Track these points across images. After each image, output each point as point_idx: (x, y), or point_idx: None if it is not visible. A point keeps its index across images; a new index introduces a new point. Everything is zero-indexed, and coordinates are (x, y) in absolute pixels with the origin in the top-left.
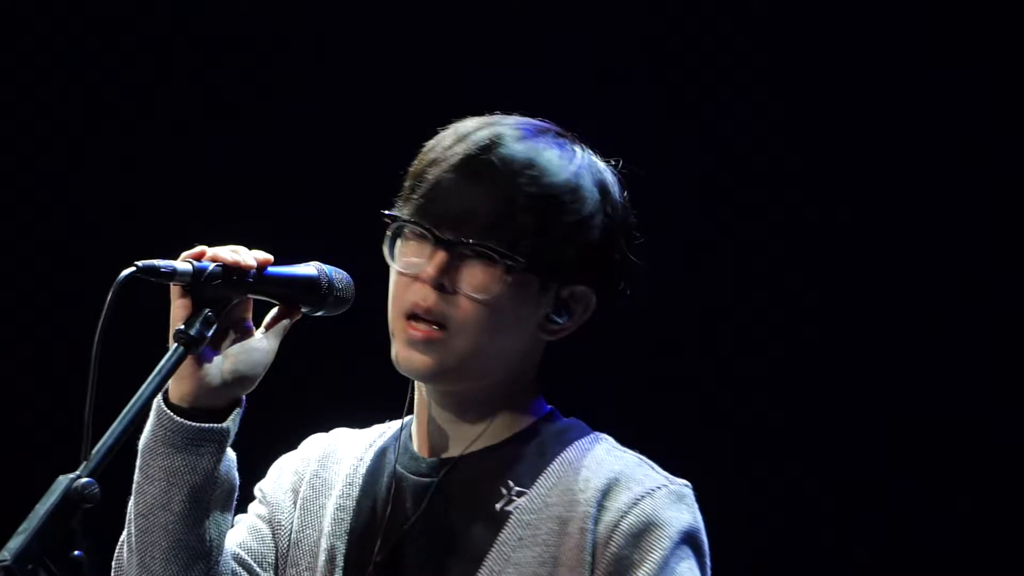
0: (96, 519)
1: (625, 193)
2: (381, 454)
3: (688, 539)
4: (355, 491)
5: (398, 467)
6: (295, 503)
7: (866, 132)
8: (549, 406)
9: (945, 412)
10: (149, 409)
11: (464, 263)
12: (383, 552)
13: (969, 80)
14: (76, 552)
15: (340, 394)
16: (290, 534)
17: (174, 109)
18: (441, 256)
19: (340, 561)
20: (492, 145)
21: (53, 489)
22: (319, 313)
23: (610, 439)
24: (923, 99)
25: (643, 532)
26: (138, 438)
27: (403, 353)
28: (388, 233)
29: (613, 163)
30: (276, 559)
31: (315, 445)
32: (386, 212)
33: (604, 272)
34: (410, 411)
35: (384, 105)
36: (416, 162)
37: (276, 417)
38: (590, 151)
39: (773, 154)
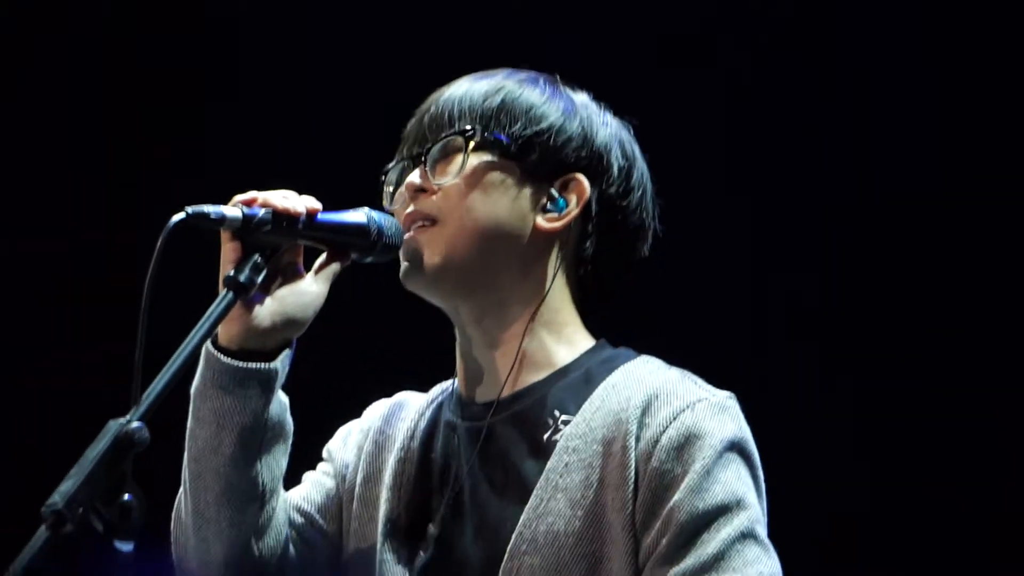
0: (146, 464)
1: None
2: (438, 407)
3: (733, 447)
4: (415, 444)
5: (450, 416)
6: (359, 459)
7: None
8: (597, 340)
9: None
10: (199, 354)
11: (436, 165)
12: (441, 503)
13: None
14: (126, 496)
15: (400, 370)
16: (354, 488)
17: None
18: (415, 170)
19: (401, 513)
20: (461, 84)
21: (103, 434)
22: (368, 259)
23: (657, 359)
24: None
25: (684, 444)
26: (188, 384)
27: (405, 265)
28: (386, 190)
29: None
30: (340, 513)
31: (379, 407)
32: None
33: (592, 165)
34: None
35: (385, 104)
36: None
37: (336, 397)
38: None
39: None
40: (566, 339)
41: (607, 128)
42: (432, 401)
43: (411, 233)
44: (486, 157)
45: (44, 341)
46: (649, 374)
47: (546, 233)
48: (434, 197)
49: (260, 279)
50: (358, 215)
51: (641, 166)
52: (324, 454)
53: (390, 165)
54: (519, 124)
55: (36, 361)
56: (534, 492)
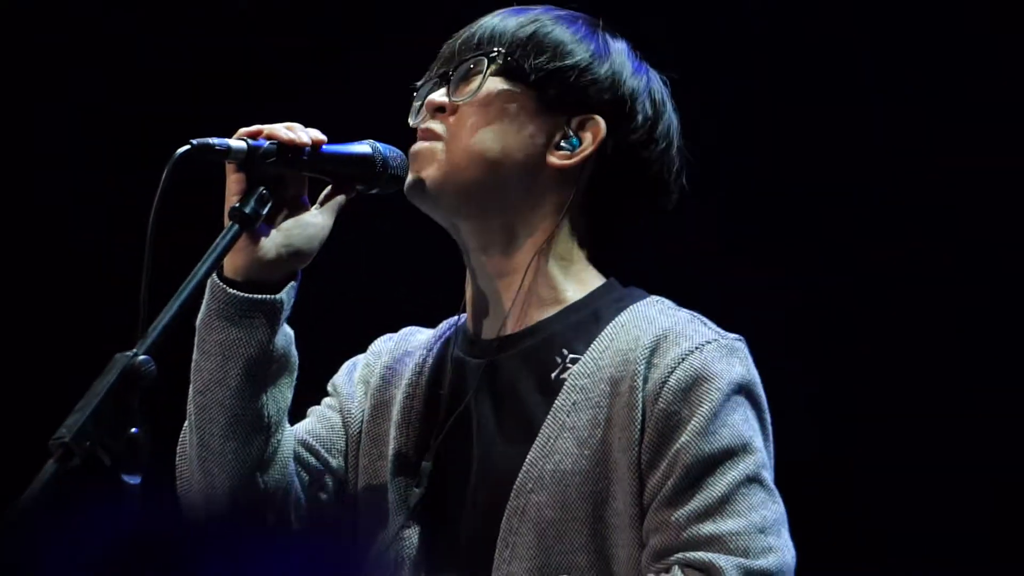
0: (152, 398)
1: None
2: (445, 343)
3: (741, 390)
4: (422, 380)
5: (458, 352)
6: (366, 394)
7: None
8: (607, 278)
9: None
10: (204, 287)
11: (459, 86)
12: (442, 434)
13: None
14: (133, 429)
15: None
16: (361, 423)
17: None
18: (438, 88)
19: (409, 447)
20: (498, 14)
21: (110, 367)
22: (373, 191)
23: (667, 300)
24: None
25: (692, 386)
26: (194, 317)
27: (408, 177)
28: (414, 105)
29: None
30: (346, 448)
31: (385, 341)
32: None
33: (615, 110)
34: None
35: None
36: None
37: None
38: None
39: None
40: (575, 276)
41: (638, 78)
42: (440, 336)
43: (416, 145)
44: (505, 84)
45: (50, 272)
46: (659, 314)
47: (557, 169)
48: (449, 118)
49: (265, 211)
50: (363, 146)
51: (670, 120)
52: (329, 388)
53: (419, 83)
54: (544, 57)
55: (38, 294)
56: (541, 431)
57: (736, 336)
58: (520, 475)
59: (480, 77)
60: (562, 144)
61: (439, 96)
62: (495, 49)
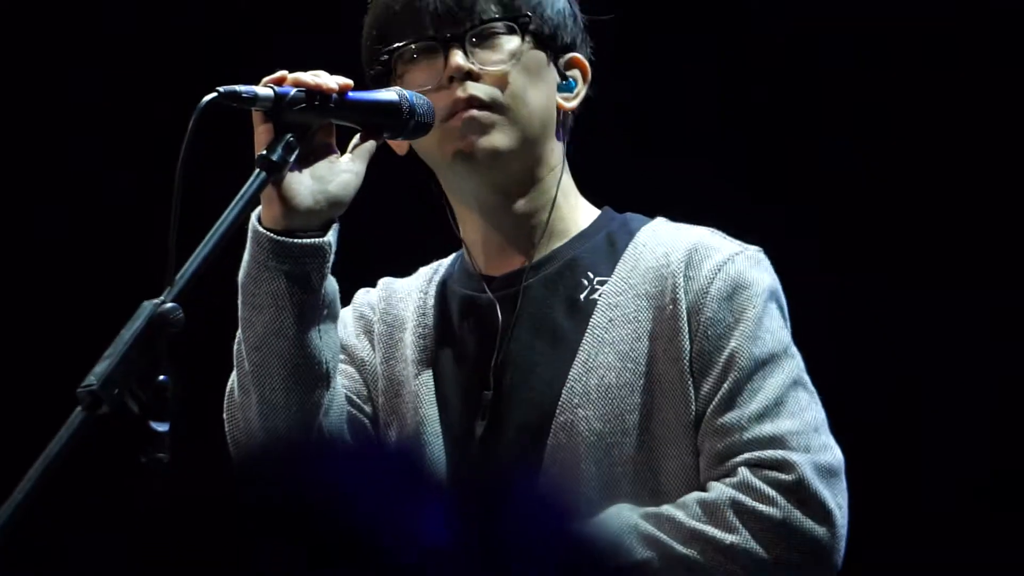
0: (179, 345)
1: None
2: (443, 285)
3: (773, 296)
4: (429, 320)
5: (466, 291)
6: (372, 342)
7: None
8: (599, 208)
9: None
10: (231, 233)
11: (478, 48)
12: (488, 371)
13: None
14: (161, 377)
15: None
16: (375, 368)
17: None
18: (456, 51)
19: (431, 387)
20: None
21: (138, 314)
22: (400, 138)
23: (669, 220)
24: None
25: (733, 293)
26: (221, 265)
27: (468, 141)
28: (401, 68)
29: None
30: (370, 395)
31: (369, 293)
32: (383, 49)
33: (578, 40)
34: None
35: None
36: (370, 20)
37: None
38: None
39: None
40: (578, 207)
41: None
42: (429, 280)
43: (476, 114)
44: (527, 44)
45: (80, 222)
46: (677, 231)
47: (565, 112)
48: (483, 82)
49: (292, 158)
50: (390, 93)
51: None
52: None
53: (398, 44)
54: (546, 7)
55: (67, 245)
56: (581, 347)
57: (757, 247)
58: (564, 391)
59: (512, 40)
60: (562, 87)
61: (465, 62)
62: (524, 13)
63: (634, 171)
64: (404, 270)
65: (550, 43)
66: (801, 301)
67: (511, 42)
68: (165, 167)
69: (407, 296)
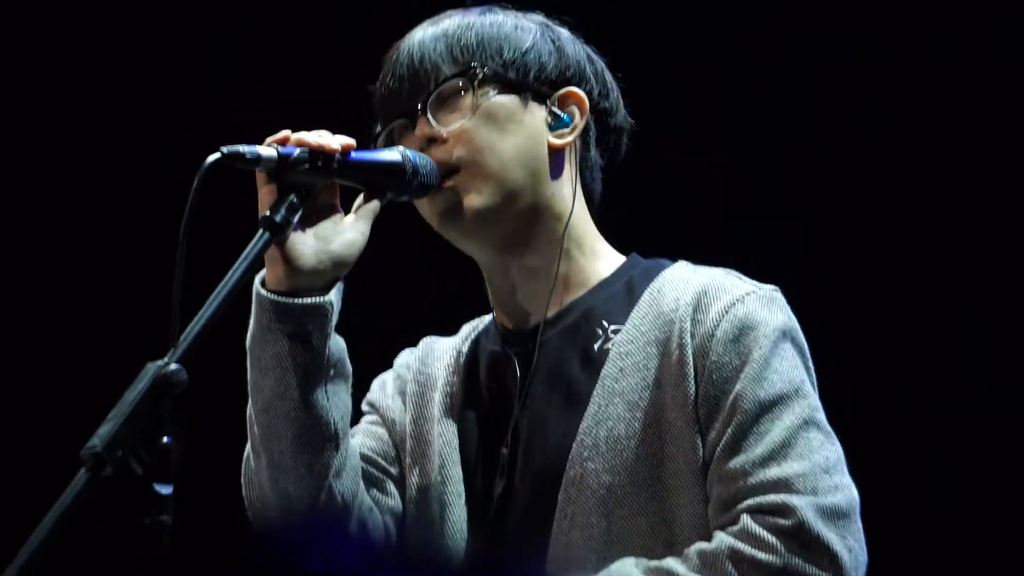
0: (183, 407)
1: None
2: (475, 342)
3: (785, 336)
4: (458, 378)
5: (492, 347)
6: (404, 401)
7: None
8: (626, 255)
9: None
10: (235, 295)
11: (437, 115)
12: (507, 428)
13: None
14: (165, 439)
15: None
16: (405, 428)
17: None
18: (420, 120)
19: (455, 445)
20: (418, 33)
21: (142, 376)
22: (403, 198)
23: (693, 264)
24: None
25: (739, 336)
26: (225, 326)
27: (448, 208)
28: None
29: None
30: (398, 456)
31: (409, 353)
32: (376, 132)
33: (575, 75)
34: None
35: None
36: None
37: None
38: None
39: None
40: (598, 254)
41: (570, 39)
42: (466, 338)
43: (446, 183)
44: (488, 93)
45: (83, 284)
46: (693, 274)
47: (559, 150)
48: (448, 145)
49: (296, 219)
50: (393, 153)
51: (603, 66)
52: (364, 407)
53: (379, 131)
54: (506, 51)
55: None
56: (591, 399)
57: (773, 287)
58: (575, 444)
59: (465, 97)
60: (555, 125)
61: (427, 129)
62: (469, 65)
63: (633, 174)
64: (451, 326)
65: (523, 85)
66: (801, 301)
67: (468, 97)
68: (169, 226)
69: (443, 355)
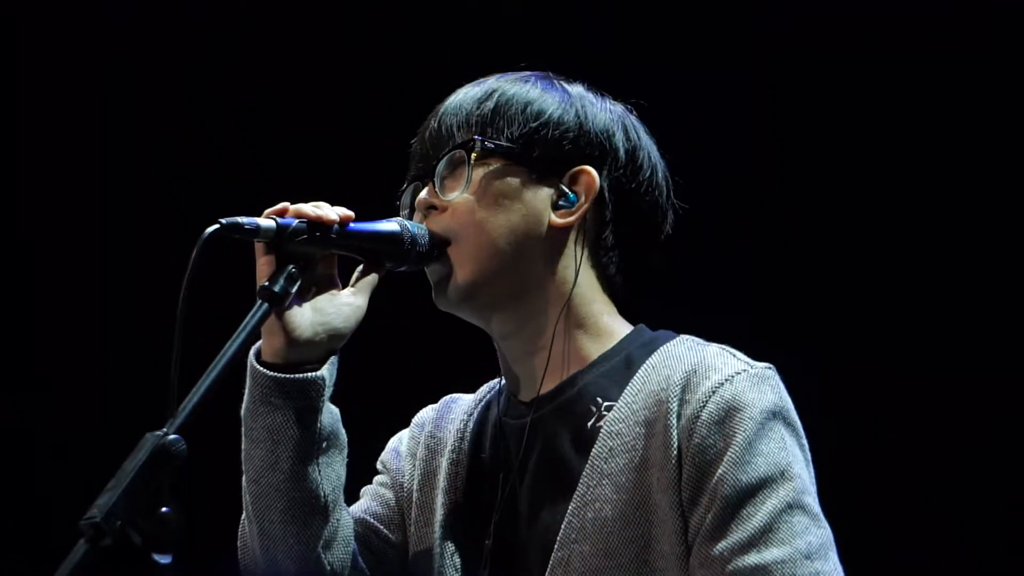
0: (183, 477)
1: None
2: (486, 407)
3: (774, 416)
4: (465, 445)
5: (500, 414)
6: (414, 465)
7: None
8: (634, 325)
9: None
10: (234, 365)
11: (444, 182)
12: (497, 503)
13: None
14: (164, 509)
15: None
16: (412, 494)
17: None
18: (423, 189)
19: (457, 515)
20: (454, 95)
21: (140, 446)
22: (402, 268)
23: (695, 338)
24: None
25: (724, 418)
26: (223, 396)
27: (434, 286)
28: (401, 213)
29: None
30: (403, 522)
31: (427, 412)
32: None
33: (597, 152)
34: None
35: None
36: None
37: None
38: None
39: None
40: (602, 330)
41: (606, 113)
42: (480, 400)
43: (435, 254)
44: (491, 166)
45: (82, 352)
46: (687, 351)
47: (562, 229)
48: (445, 215)
49: (295, 289)
50: (391, 224)
51: (647, 146)
52: (378, 467)
53: (403, 188)
54: (516, 125)
55: (71, 374)
56: (580, 480)
57: (766, 364)
58: (563, 527)
59: (465, 168)
60: (560, 203)
61: (428, 195)
62: (468, 138)
63: None
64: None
65: (528, 160)
66: (801, 302)
67: (464, 170)
68: (168, 296)
69: (456, 418)
